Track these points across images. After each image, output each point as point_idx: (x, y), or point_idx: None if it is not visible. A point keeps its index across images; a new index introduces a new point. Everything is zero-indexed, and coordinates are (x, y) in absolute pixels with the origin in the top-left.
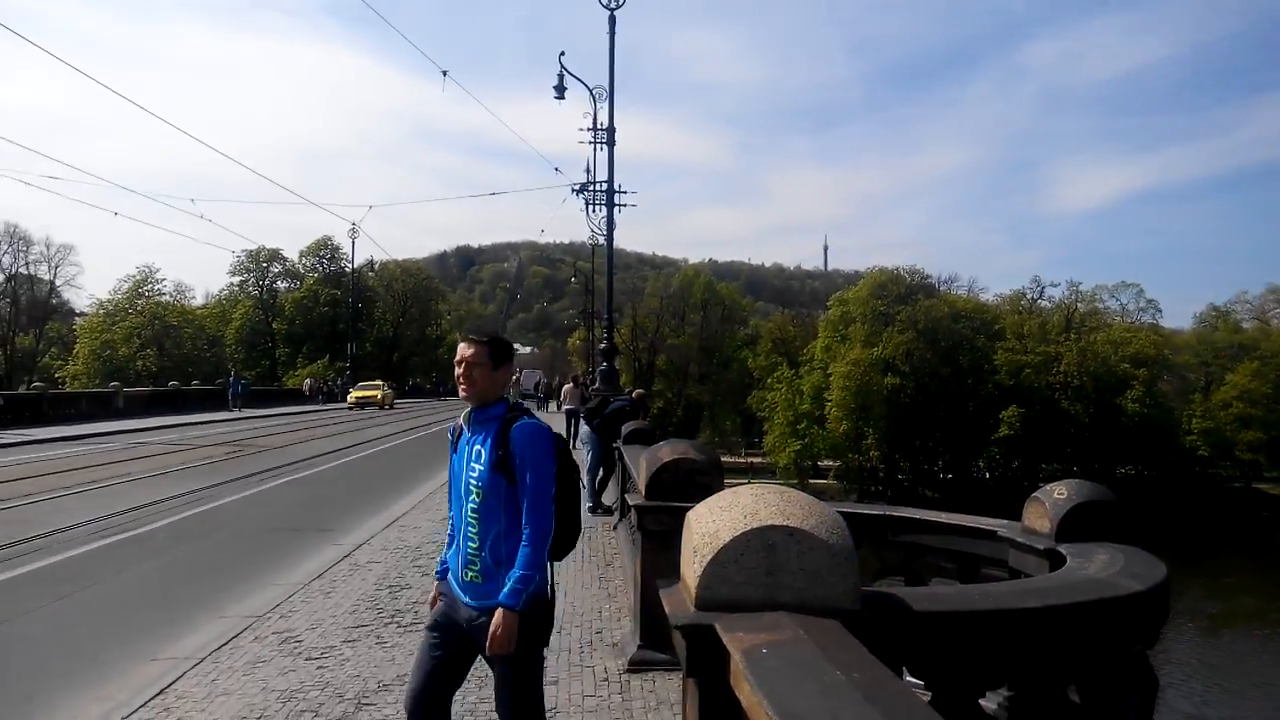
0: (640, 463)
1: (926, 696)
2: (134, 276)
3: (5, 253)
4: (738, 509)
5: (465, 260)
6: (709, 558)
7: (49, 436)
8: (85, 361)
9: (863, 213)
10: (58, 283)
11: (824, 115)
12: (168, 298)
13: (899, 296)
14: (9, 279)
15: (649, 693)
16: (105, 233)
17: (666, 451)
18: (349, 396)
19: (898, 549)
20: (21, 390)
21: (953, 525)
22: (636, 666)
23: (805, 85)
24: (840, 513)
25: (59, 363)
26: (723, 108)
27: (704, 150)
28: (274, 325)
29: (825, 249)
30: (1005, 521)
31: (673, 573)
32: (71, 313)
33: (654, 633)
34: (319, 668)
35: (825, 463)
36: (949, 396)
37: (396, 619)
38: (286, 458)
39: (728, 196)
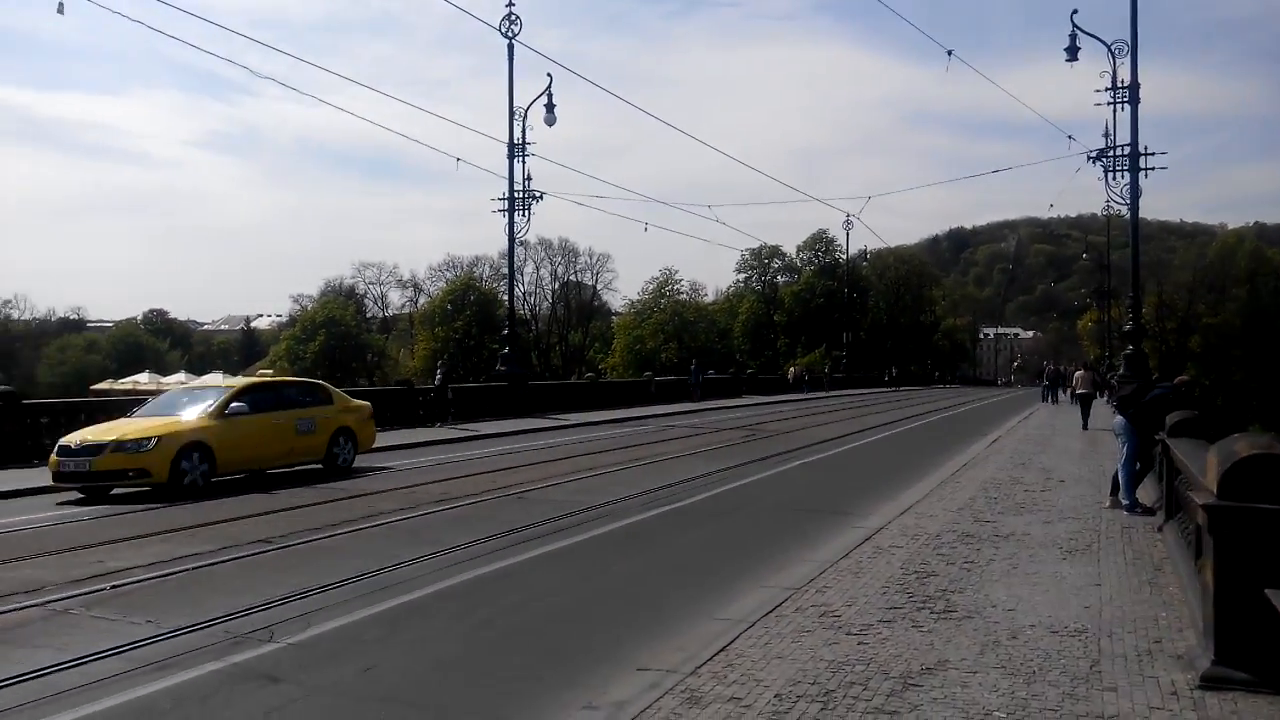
0: (1208, 458)
1: None
2: (657, 278)
3: (559, 263)
4: None
5: (958, 243)
6: None
7: (599, 419)
8: (621, 354)
9: None
10: (598, 287)
11: None
12: (684, 296)
13: None
14: (562, 286)
15: (1230, 713)
16: (636, 241)
17: (1244, 446)
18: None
19: None
20: (573, 380)
21: None
22: (1210, 683)
23: None
24: None
25: (600, 356)
26: (1270, 42)
27: (1244, 96)
28: (775, 317)
29: None
30: None
31: (1257, 582)
32: (609, 312)
33: (1233, 648)
34: (860, 643)
35: None
36: None
37: (928, 605)
38: (795, 442)
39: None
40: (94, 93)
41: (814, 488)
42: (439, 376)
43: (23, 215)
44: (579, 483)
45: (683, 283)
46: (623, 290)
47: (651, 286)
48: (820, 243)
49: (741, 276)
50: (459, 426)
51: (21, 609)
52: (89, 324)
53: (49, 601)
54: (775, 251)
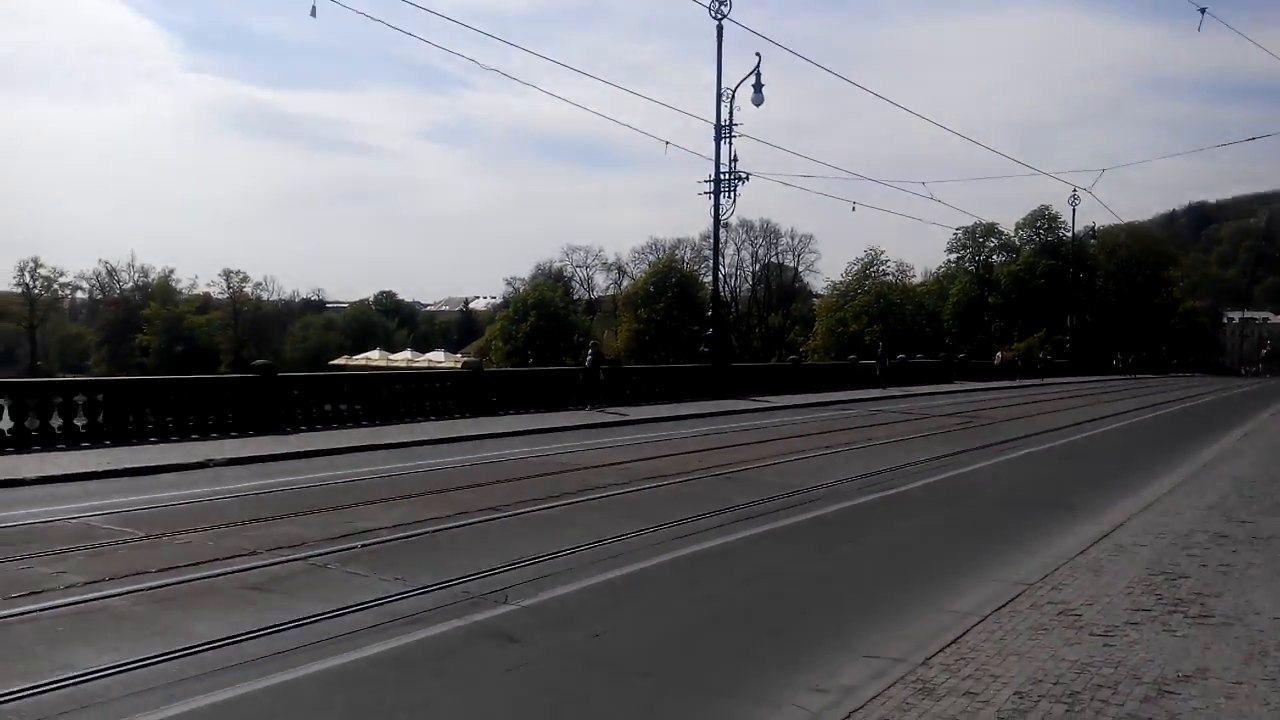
0: None
1: None
2: (862, 259)
3: (760, 245)
4: None
5: (1199, 218)
6: None
7: (802, 403)
8: (822, 337)
9: None
10: (800, 268)
11: None
12: (891, 277)
13: None
14: (763, 268)
15: None
16: (842, 221)
17: None
18: None
19: None
20: (774, 361)
21: None
22: None
23: None
24: None
25: (801, 339)
26: None
27: None
28: (989, 299)
29: None
30: None
31: None
32: (810, 294)
33: None
34: (1105, 645)
35: None
36: None
37: (1180, 608)
38: (1016, 430)
39: None
40: (332, 90)
41: (1041, 479)
42: (589, 358)
43: (272, 204)
44: (789, 464)
45: (889, 263)
46: (825, 272)
47: (856, 268)
48: (1042, 219)
49: (953, 256)
50: (608, 410)
51: (287, 562)
52: (328, 304)
53: (309, 556)
54: (991, 229)
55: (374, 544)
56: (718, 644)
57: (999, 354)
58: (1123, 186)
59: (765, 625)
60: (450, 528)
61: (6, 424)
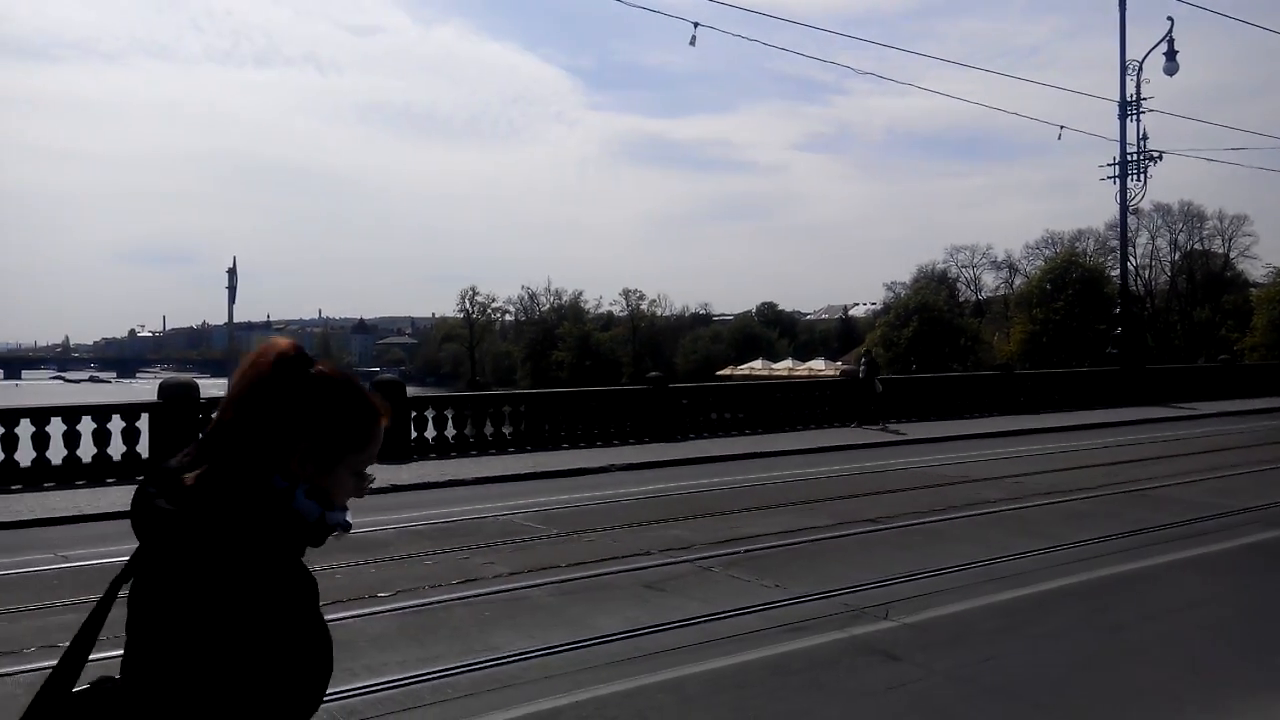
0: None
1: None
2: None
3: (1180, 231)
4: None
5: None
6: None
7: (1236, 410)
8: (1263, 333)
9: None
10: (1232, 255)
11: None
12: None
13: None
14: (1184, 256)
15: None
16: None
17: None
18: None
19: None
20: (1200, 362)
21: None
22: None
23: None
24: None
25: (1236, 335)
26: None
27: None
28: None
29: None
30: None
31: None
32: (1247, 284)
33: None
34: None
35: None
36: None
37: None
38: None
39: None
40: (712, 112)
41: None
42: (863, 368)
43: (663, 225)
44: (1218, 481)
45: None
46: (1265, 257)
47: None
48: None
49: None
50: (889, 429)
51: (676, 563)
52: (714, 317)
53: (696, 559)
54: None
55: (755, 550)
56: (1126, 679)
57: None
58: None
59: (1184, 663)
60: (829, 538)
61: (450, 432)
